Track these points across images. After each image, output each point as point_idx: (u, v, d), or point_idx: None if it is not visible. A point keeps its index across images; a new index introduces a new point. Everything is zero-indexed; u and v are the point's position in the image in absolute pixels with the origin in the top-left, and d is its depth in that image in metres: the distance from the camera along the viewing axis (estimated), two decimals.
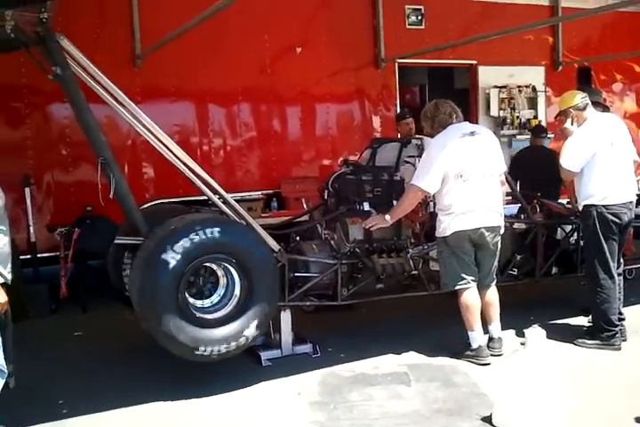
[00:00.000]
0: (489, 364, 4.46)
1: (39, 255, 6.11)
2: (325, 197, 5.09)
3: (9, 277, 3.20)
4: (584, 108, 4.73)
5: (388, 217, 4.61)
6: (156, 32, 6.24)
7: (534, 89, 8.71)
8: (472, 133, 4.50)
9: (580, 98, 4.74)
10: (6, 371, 3.16)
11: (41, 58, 4.08)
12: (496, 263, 4.71)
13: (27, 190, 6.12)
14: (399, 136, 6.33)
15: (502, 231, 4.64)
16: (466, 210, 4.46)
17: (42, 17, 3.85)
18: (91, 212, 5.85)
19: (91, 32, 6.39)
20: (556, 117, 5.17)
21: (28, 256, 6.06)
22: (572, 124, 4.74)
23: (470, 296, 4.52)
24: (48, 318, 5.70)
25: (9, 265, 3.22)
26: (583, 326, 5.06)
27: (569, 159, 4.65)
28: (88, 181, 6.25)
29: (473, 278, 4.55)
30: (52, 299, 5.80)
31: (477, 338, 4.53)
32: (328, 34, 7.58)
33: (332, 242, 4.87)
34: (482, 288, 4.64)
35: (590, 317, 4.92)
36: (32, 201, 6.17)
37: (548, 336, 4.89)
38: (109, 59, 6.13)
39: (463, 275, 4.52)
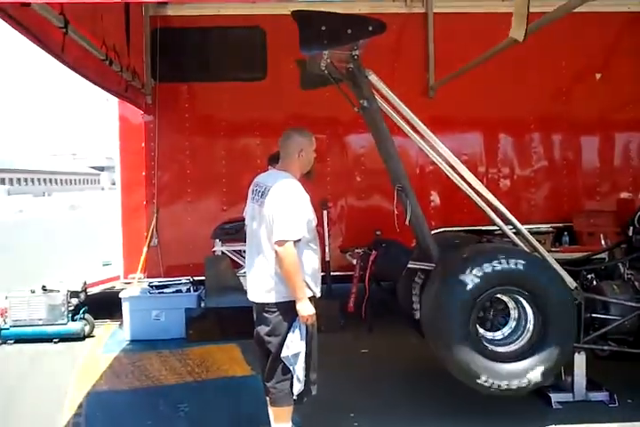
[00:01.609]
0: None
1: (332, 273, 6.55)
2: (630, 233, 4.65)
3: (317, 292, 3.47)
4: None
5: None
6: (450, 63, 6.37)
7: None
8: None
9: None
10: (302, 380, 3.37)
11: (349, 92, 4.40)
12: None
13: (324, 213, 6.63)
14: None
15: None
16: None
17: (354, 54, 4.16)
18: (380, 236, 6.11)
19: (388, 66, 6.75)
20: None
21: (323, 274, 6.52)
22: None
23: None
24: (337, 333, 6.04)
25: (319, 281, 3.49)
26: None
27: None
28: (378, 206, 6.65)
29: None
30: (342, 315, 6.14)
31: None
32: (632, 57, 7.00)
33: (637, 284, 4.43)
34: None
35: None
36: (328, 223, 6.67)
37: None
38: (405, 90, 6.41)
39: None
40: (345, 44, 4.05)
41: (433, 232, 6.15)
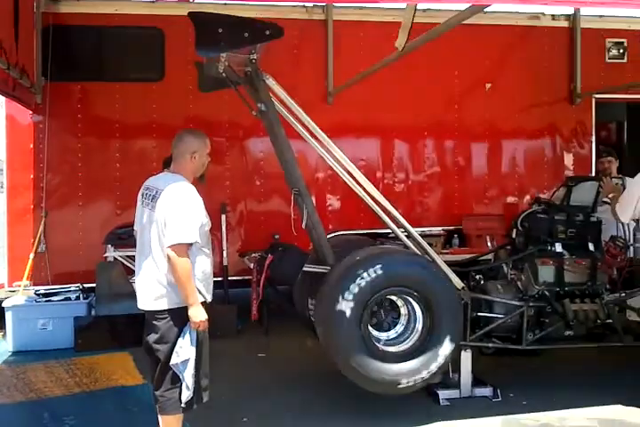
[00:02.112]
0: None
1: (231, 278, 6.52)
2: (513, 235, 4.92)
3: (209, 297, 3.44)
4: None
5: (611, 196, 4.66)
6: (348, 70, 6.51)
7: None
8: None
9: None
10: (191, 388, 3.32)
11: (247, 95, 4.42)
12: None
13: (223, 217, 6.59)
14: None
15: None
16: None
17: (251, 58, 4.17)
18: (278, 240, 6.14)
19: (287, 71, 6.80)
20: None
21: (220, 279, 6.49)
22: None
23: None
24: (234, 338, 6.01)
25: (211, 286, 3.46)
26: None
27: None
28: (278, 210, 6.67)
29: None
30: (239, 320, 6.12)
31: None
32: (520, 69, 7.42)
33: (519, 283, 4.69)
34: None
35: None
36: (227, 227, 6.62)
37: None
38: (304, 96, 6.49)
39: None
40: (242, 48, 4.04)
41: (330, 235, 6.32)
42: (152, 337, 3.36)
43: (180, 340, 3.27)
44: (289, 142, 4.39)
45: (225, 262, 6.57)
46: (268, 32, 3.95)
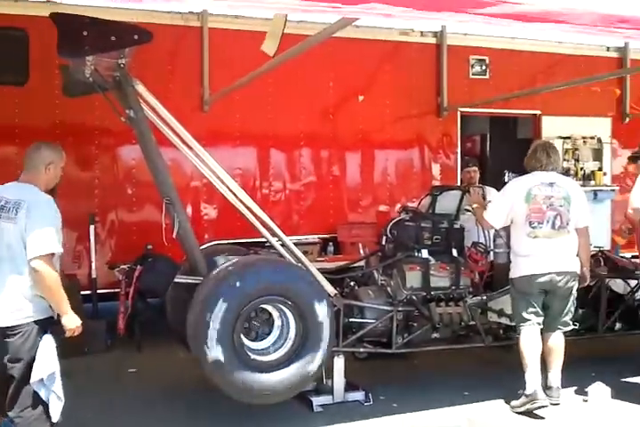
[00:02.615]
0: (545, 406, 4.38)
1: (99, 291, 6.26)
2: (383, 242, 5.08)
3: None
4: None
5: (475, 205, 4.93)
6: (225, 78, 6.48)
7: (599, 140, 8.56)
8: (551, 184, 4.58)
9: None
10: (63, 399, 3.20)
11: (116, 101, 4.28)
12: (568, 310, 4.65)
13: (91, 228, 6.32)
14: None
15: (576, 277, 4.61)
16: (536, 255, 4.50)
17: (120, 62, 4.05)
18: (151, 250, 5.98)
19: (162, 78, 6.67)
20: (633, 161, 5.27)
21: (88, 292, 6.23)
22: None
23: (528, 337, 4.53)
24: (104, 354, 5.78)
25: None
26: None
27: None
28: (151, 220, 6.49)
29: (537, 321, 4.56)
30: (109, 335, 5.88)
31: (532, 381, 4.43)
32: (391, 83, 7.70)
33: (389, 289, 4.85)
34: (547, 332, 4.63)
35: None
36: (95, 238, 6.37)
37: (611, 394, 4.73)
38: (179, 103, 6.39)
39: (526, 316, 4.55)
40: (108, 52, 3.93)
41: (206, 245, 6.25)
42: (4, 355, 3.17)
43: (39, 354, 3.11)
44: (159, 150, 4.29)
45: (94, 275, 6.30)
46: (135, 36, 3.87)
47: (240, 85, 6.03)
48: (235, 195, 4.47)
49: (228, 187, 4.48)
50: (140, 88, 4.21)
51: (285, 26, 4.17)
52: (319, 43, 4.66)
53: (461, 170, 6.59)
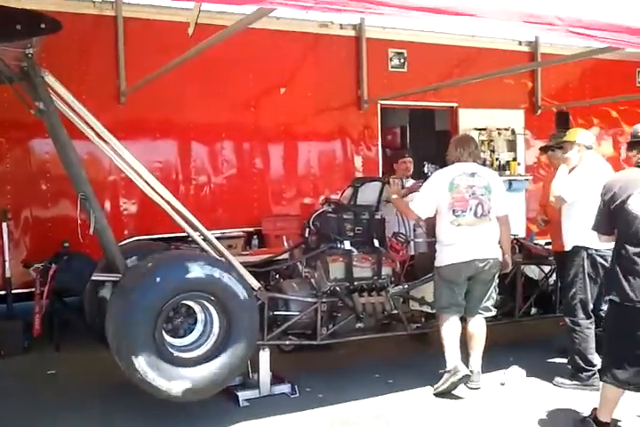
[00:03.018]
0: (468, 375, 4.60)
1: (14, 291, 6.00)
2: (306, 235, 5.09)
3: None
4: (589, 147, 4.80)
5: (395, 196, 5.01)
6: (142, 69, 6.32)
7: (513, 132, 8.87)
8: (472, 174, 4.74)
9: (587, 135, 4.85)
10: None
11: (25, 93, 4.10)
12: (489, 295, 4.83)
13: (4, 225, 6.05)
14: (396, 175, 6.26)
15: (498, 263, 4.79)
16: (460, 243, 4.66)
17: (27, 52, 3.88)
18: (68, 248, 5.78)
19: (76, 69, 6.44)
20: (544, 151, 5.48)
21: (3, 292, 5.97)
22: (576, 153, 4.72)
23: (448, 323, 4.73)
24: (21, 356, 5.56)
25: None
26: (565, 365, 5.04)
27: (568, 187, 4.63)
28: (67, 216, 6.26)
29: (457, 309, 4.74)
30: (26, 336, 5.66)
31: (452, 357, 4.66)
32: (312, 75, 7.71)
33: (313, 280, 4.86)
34: (468, 317, 4.81)
35: (569, 357, 4.91)
36: (9, 236, 6.10)
37: (528, 376, 4.94)
38: (94, 95, 6.19)
39: (447, 304, 4.73)
40: (14, 41, 3.77)
41: (126, 241, 6.09)
42: None
43: None
44: (72, 143, 4.14)
45: (8, 274, 6.03)
46: (43, 25, 3.73)
47: (158, 76, 5.88)
48: (153, 189, 4.36)
49: (145, 181, 4.37)
50: (50, 79, 4.04)
51: (199, 13, 4.09)
52: (237, 33, 4.61)
53: (396, 160, 6.50)
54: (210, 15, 6.65)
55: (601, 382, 3.80)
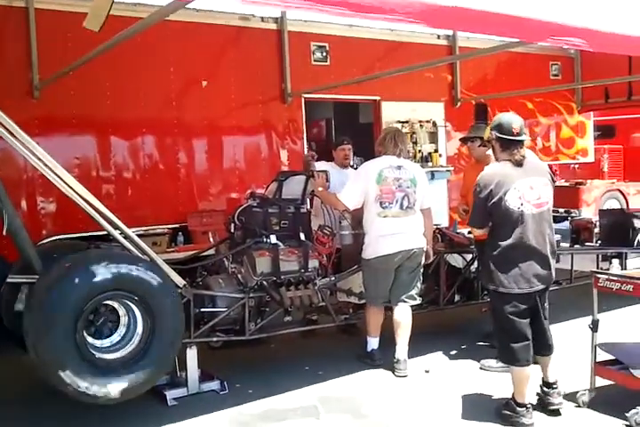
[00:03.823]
0: (380, 365, 4.94)
1: None
2: (232, 230, 5.04)
3: None
4: None
5: (320, 189, 5.09)
6: (56, 62, 6.09)
7: (435, 124, 9.07)
8: (399, 167, 4.89)
9: None
10: None
11: None
12: (414, 284, 4.99)
13: None
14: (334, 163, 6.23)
15: (422, 253, 4.96)
16: (386, 235, 4.79)
17: None
18: None
19: None
20: (464, 142, 5.66)
21: None
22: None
23: (372, 311, 5.01)
24: None
25: None
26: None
27: None
28: None
29: (382, 300, 4.97)
30: None
31: (371, 343, 5.03)
32: (235, 68, 7.63)
33: (239, 276, 4.83)
34: (394, 305, 4.97)
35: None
36: None
37: (453, 362, 5.08)
38: (5, 89, 5.93)
39: (375, 294, 4.97)
40: None
41: (44, 241, 5.88)
42: None
43: None
44: None
45: None
46: None
47: (73, 69, 5.71)
48: (70, 186, 4.21)
49: (61, 178, 4.21)
50: None
51: (112, 4, 3.96)
52: (156, 25, 4.52)
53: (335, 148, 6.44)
54: (126, 7, 6.50)
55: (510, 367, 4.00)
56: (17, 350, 4.23)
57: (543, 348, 4.03)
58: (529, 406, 3.94)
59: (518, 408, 3.90)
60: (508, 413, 3.94)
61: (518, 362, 3.88)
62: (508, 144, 3.90)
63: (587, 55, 10.08)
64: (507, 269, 3.82)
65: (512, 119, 3.95)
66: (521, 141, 3.92)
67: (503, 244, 3.83)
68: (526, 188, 3.83)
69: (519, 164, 3.88)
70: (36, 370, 3.81)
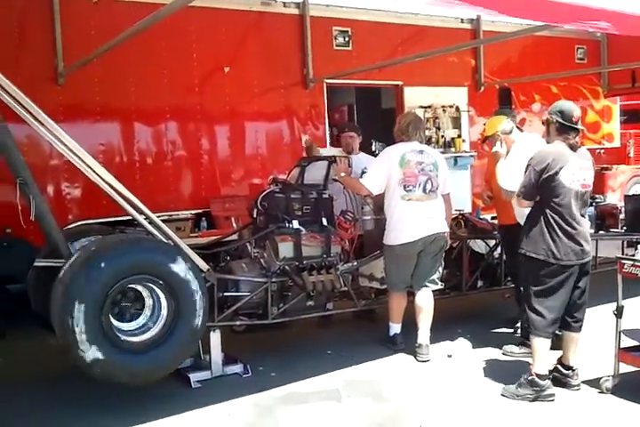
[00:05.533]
0: (402, 349, 4.99)
1: None
2: (254, 215, 5.08)
3: None
4: (510, 132, 4.91)
5: (343, 174, 5.13)
6: (80, 49, 6.14)
7: (458, 109, 8.99)
8: (421, 151, 4.92)
9: (505, 122, 4.93)
10: None
11: None
12: (436, 268, 5.01)
13: None
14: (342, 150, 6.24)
15: (445, 237, 4.96)
16: (409, 219, 4.81)
17: None
18: (10, 234, 5.63)
19: (10, 49, 6.22)
20: (483, 142, 5.48)
21: None
22: (500, 147, 4.88)
23: (395, 297, 5.04)
24: None
25: None
26: (514, 333, 5.20)
27: (509, 180, 4.64)
28: (8, 201, 6.08)
29: (404, 285, 5.01)
30: None
31: (393, 328, 5.07)
32: (257, 54, 7.62)
33: (262, 260, 4.86)
34: (416, 290, 4.99)
35: (517, 327, 5.07)
36: None
37: (475, 348, 5.08)
38: (31, 76, 5.99)
39: (397, 280, 4.98)
40: None
41: (71, 226, 5.96)
42: None
43: None
44: (7, 127, 4.00)
45: None
46: None
47: (97, 56, 5.74)
48: (95, 172, 4.26)
49: (87, 164, 4.26)
50: None
51: None
52: (178, 12, 4.53)
53: (339, 136, 6.47)
54: None
55: (531, 337, 4.11)
56: (44, 331, 4.33)
57: (574, 323, 4.15)
58: (550, 376, 4.09)
59: (541, 382, 4.02)
60: (532, 390, 4.03)
61: (547, 333, 4.03)
62: (565, 129, 4.06)
63: (613, 38, 9.90)
64: (553, 241, 3.97)
65: (573, 108, 4.12)
66: (578, 129, 4.09)
67: (552, 216, 3.97)
68: (577, 168, 4.01)
69: (572, 148, 4.04)
70: (62, 352, 3.88)
